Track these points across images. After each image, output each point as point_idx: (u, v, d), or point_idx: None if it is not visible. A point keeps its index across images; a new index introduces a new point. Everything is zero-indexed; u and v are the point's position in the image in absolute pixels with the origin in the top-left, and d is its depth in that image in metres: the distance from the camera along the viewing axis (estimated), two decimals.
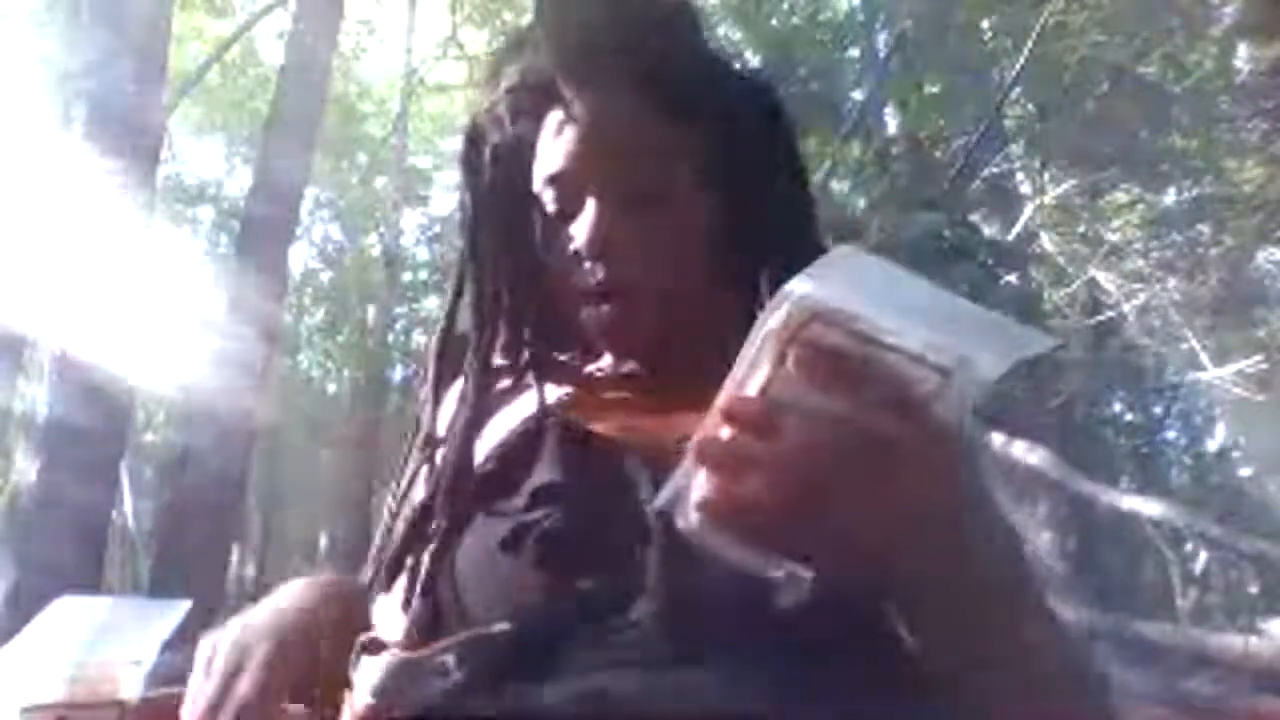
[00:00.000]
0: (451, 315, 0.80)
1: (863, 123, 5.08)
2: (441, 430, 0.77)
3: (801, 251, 0.77)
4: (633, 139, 0.71)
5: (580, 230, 0.71)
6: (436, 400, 0.78)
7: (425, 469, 0.76)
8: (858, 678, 0.57)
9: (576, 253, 0.71)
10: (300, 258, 10.90)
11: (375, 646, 0.64)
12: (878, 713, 0.57)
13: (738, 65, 0.82)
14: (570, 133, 0.72)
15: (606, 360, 0.80)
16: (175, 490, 5.96)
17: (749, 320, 0.80)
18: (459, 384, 0.79)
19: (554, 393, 0.76)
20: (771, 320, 0.49)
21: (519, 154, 0.75)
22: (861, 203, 4.91)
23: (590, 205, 0.71)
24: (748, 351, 0.50)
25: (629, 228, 0.71)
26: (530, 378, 0.76)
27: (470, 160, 0.77)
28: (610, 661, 0.59)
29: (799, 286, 0.48)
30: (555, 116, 0.73)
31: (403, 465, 0.79)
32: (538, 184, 0.74)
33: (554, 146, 0.73)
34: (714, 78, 0.76)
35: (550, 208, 0.74)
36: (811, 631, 0.57)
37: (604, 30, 0.73)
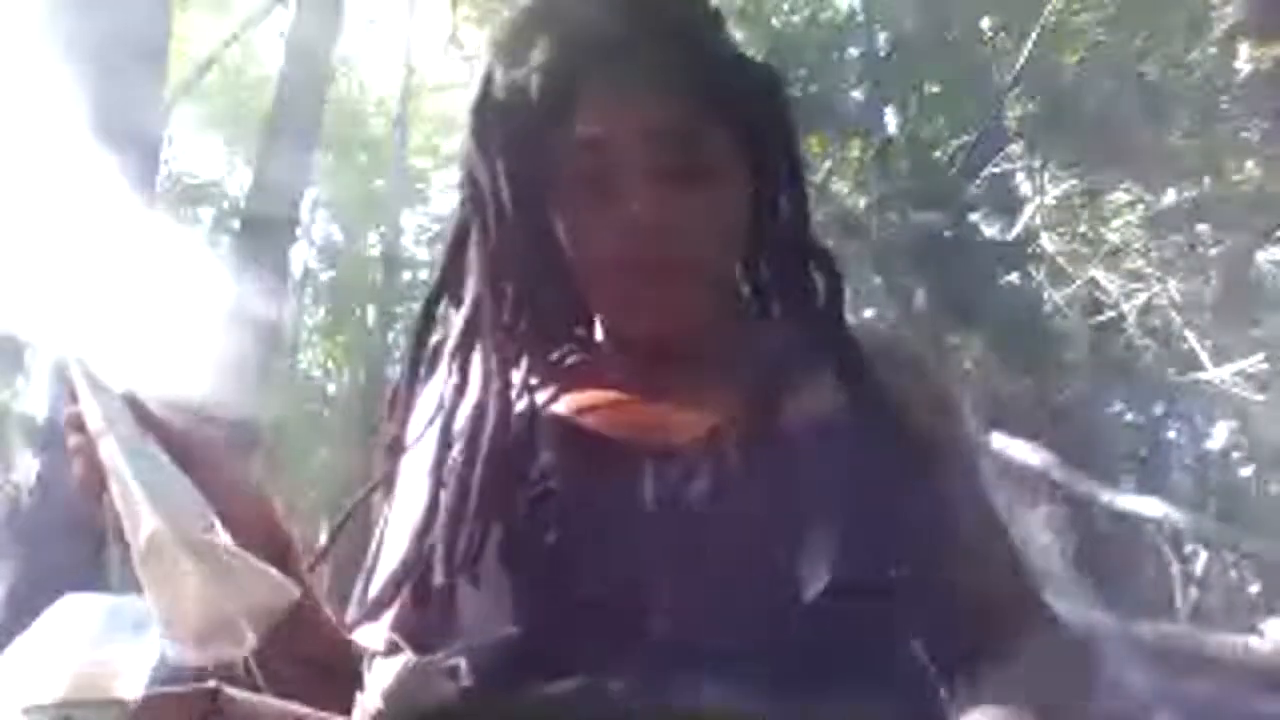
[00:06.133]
0: (430, 312, 0.79)
1: (863, 123, 5.07)
2: (411, 432, 0.76)
3: (803, 245, 0.79)
4: (684, 117, 0.72)
5: (636, 202, 0.70)
6: (410, 396, 0.78)
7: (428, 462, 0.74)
8: (864, 682, 0.57)
9: (616, 226, 0.70)
10: (300, 258, 10.90)
11: (389, 649, 0.64)
12: (882, 715, 0.57)
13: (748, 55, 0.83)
14: (620, 107, 0.71)
15: (601, 348, 0.79)
16: None
17: (744, 309, 0.81)
18: (433, 385, 0.78)
19: (548, 389, 0.75)
20: None
21: (540, 128, 0.73)
22: (861, 203, 4.90)
23: (642, 180, 0.70)
24: None
25: (681, 204, 0.71)
26: (523, 374, 0.75)
27: (484, 131, 0.75)
28: (618, 667, 0.59)
29: None
30: (598, 89, 0.72)
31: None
32: (575, 157, 0.72)
33: (599, 118, 0.71)
34: (740, 65, 0.78)
35: (588, 179, 0.72)
36: (820, 636, 0.57)
37: (646, 11, 0.74)
